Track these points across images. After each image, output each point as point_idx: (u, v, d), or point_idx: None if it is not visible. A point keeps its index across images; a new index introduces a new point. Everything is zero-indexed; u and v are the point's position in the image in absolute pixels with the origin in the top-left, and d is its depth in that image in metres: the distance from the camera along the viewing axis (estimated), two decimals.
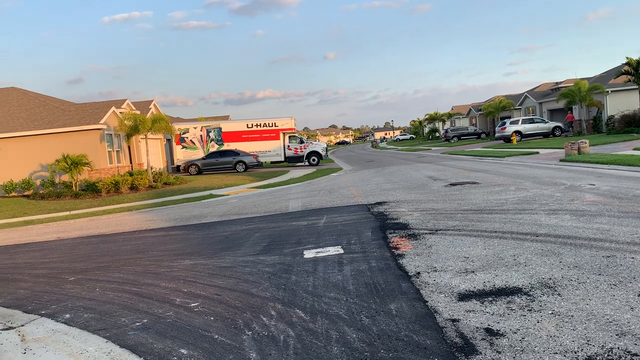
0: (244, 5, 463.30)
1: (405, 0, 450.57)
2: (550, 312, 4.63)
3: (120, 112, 27.68)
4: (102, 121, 24.83)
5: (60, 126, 24.98)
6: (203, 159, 33.65)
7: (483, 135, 57.83)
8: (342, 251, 7.92)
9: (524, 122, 41.17)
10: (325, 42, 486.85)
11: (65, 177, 24.01)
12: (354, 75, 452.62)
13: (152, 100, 36.73)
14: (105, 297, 6.87)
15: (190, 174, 32.27)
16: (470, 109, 73.37)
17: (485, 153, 30.44)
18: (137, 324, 5.59)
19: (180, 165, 35.09)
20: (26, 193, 24.54)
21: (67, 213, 18.58)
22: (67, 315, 6.21)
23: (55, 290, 7.60)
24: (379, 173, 23.74)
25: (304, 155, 36.80)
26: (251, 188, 22.20)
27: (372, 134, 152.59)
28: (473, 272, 6.09)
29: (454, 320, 4.64)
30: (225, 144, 36.35)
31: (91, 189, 22.71)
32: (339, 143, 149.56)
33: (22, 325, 6.05)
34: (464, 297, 5.25)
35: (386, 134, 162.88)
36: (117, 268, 8.63)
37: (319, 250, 8.19)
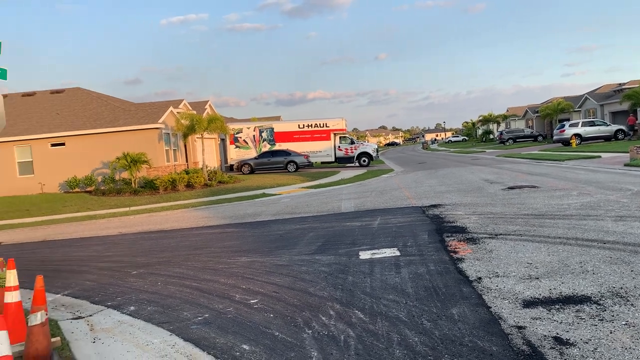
0: (297, 7, 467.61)
1: None
2: (623, 322, 4.42)
3: (177, 112, 28.51)
4: (160, 120, 25.64)
5: (121, 125, 25.98)
6: (255, 158, 34.18)
7: (540, 138, 55.99)
8: (398, 253, 7.84)
9: (584, 124, 39.55)
10: (376, 42, 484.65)
11: (125, 174, 24.93)
12: (405, 75, 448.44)
13: (208, 101, 37.62)
14: (167, 291, 7.08)
15: (243, 173, 32.84)
16: (526, 111, 71.25)
17: (543, 156, 29.45)
18: (199, 318, 5.73)
19: (233, 165, 35.78)
20: (88, 189, 25.65)
21: (127, 209, 19.27)
22: (132, 308, 6.43)
23: (119, 282, 7.89)
24: (431, 175, 23.40)
25: (354, 156, 36.74)
26: (302, 188, 22.35)
27: (423, 135, 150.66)
28: (537, 278, 5.90)
29: (520, 327, 4.51)
30: (277, 144, 36.77)
31: (149, 186, 23.49)
32: (388, 144, 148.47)
33: (90, 316, 6.32)
34: (530, 304, 5.09)
35: (437, 136, 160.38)
36: (177, 263, 8.87)
37: (374, 251, 8.14)
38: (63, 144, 26.23)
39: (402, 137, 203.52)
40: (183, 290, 6.99)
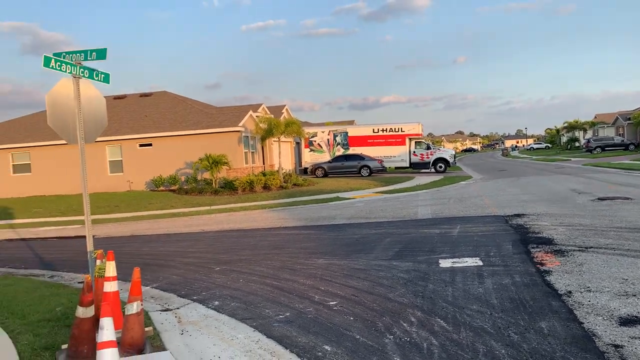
0: (373, 12, 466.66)
1: (546, 0, 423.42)
2: None
3: (256, 116, 29.30)
4: (240, 124, 26.48)
5: (203, 128, 27.06)
6: (329, 162, 34.46)
7: (632, 147, 52.41)
8: (481, 263, 7.63)
9: None
10: (455, 45, 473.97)
11: (207, 175, 25.94)
12: (485, 79, 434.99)
13: (285, 105, 38.40)
14: (248, 288, 7.29)
15: (317, 176, 33.20)
16: (616, 118, 66.95)
17: (636, 166, 27.55)
18: (281, 316, 5.85)
19: (307, 168, 36.26)
20: (172, 188, 26.91)
21: (208, 208, 20.03)
22: (216, 303, 6.68)
23: (203, 278, 8.22)
24: (513, 183, 22.54)
25: (430, 162, 36.11)
26: (376, 192, 22.25)
27: (502, 142, 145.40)
28: (634, 295, 5.54)
29: (617, 346, 4.25)
30: (351, 148, 36.87)
31: (228, 187, 24.30)
32: (465, 150, 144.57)
33: (178, 308, 6.62)
34: (627, 322, 4.79)
35: (517, 142, 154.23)
36: (257, 262, 9.11)
37: (455, 260, 7.96)
38: (150, 145, 27.70)
39: (479, 143, 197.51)
40: (264, 288, 7.17)
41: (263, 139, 27.88)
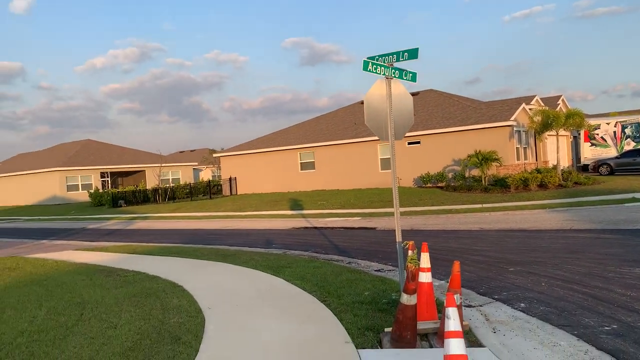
0: None
1: None
2: None
3: (529, 109, 27.49)
4: (512, 118, 25.18)
5: (471, 124, 26.57)
6: (617, 157, 30.16)
7: None
8: None
9: None
10: None
11: (475, 172, 25.41)
12: None
13: (560, 96, 35.14)
14: (554, 293, 6.76)
15: (601, 174, 29.43)
16: None
17: None
18: (606, 328, 5.24)
19: (588, 165, 32.46)
20: (439, 184, 27.15)
21: (480, 206, 19.56)
22: (522, 305, 6.35)
23: (498, 277, 7.95)
24: None
25: None
26: None
27: None
28: None
29: None
30: None
31: (499, 184, 23.34)
32: None
33: (481, 306, 6.51)
34: None
35: None
36: (554, 265, 8.43)
37: None
38: (418, 142, 28.45)
39: None
40: (574, 295, 6.55)
41: (538, 134, 25.97)
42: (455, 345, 3.42)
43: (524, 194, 21.48)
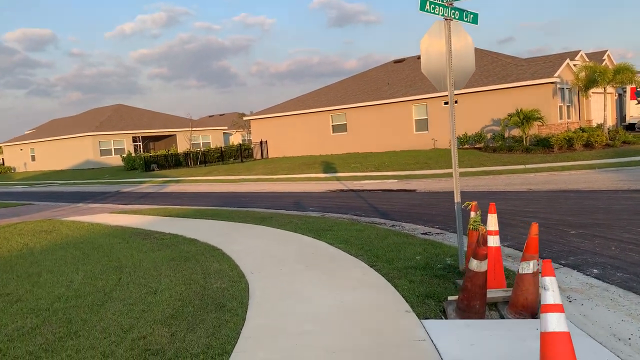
0: None
1: None
2: None
3: (573, 65, 26.05)
4: (556, 74, 23.87)
5: (512, 81, 25.34)
6: None
7: None
8: None
9: None
10: None
11: (515, 132, 24.35)
12: None
13: (606, 51, 33.22)
14: (629, 258, 6.14)
15: None
16: None
17: None
18: None
19: (634, 123, 30.89)
20: (477, 145, 26.19)
21: (522, 166, 18.71)
22: (595, 271, 5.77)
23: (560, 241, 7.34)
24: None
25: None
26: None
27: None
28: None
29: None
30: None
31: (542, 144, 22.30)
32: None
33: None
34: None
35: None
36: (620, 227, 7.76)
37: None
38: (455, 102, 27.33)
39: None
40: None
41: (583, 91, 24.59)
42: (555, 321, 2.88)
43: (569, 154, 20.47)
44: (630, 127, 31.21)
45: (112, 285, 6.29)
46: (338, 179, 21.14)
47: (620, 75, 22.79)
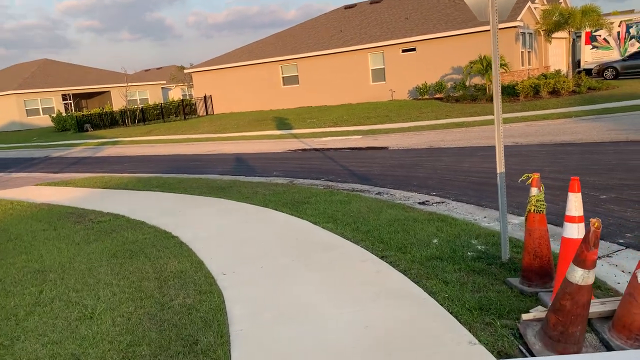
0: None
1: None
2: None
3: (534, 8, 24.95)
4: (518, 18, 22.67)
5: (472, 26, 23.99)
6: (623, 60, 28.14)
7: None
8: None
9: None
10: None
11: (476, 80, 23.23)
12: None
13: None
14: None
15: (606, 78, 27.54)
16: None
17: None
18: None
19: (590, 69, 30.47)
20: (437, 96, 24.97)
21: (492, 117, 17.59)
22: None
23: (596, 210, 6.13)
24: None
25: None
26: None
27: None
28: None
29: None
30: None
31: (507, 93, 21.28)
32: None
33: (609, 256, 4.65)
34: None
35: None
36: None
37: None
38: (414, 50, 25.85)
39: None
40: None
41: (548, 35, 23.58)
42: None
43: (537, 103, 19.53)
44: (587, 72, 30.81)
45: (30, 305, 4.51)
46: (295, 136, 19.40)
47: (588, 17, 21.86)
